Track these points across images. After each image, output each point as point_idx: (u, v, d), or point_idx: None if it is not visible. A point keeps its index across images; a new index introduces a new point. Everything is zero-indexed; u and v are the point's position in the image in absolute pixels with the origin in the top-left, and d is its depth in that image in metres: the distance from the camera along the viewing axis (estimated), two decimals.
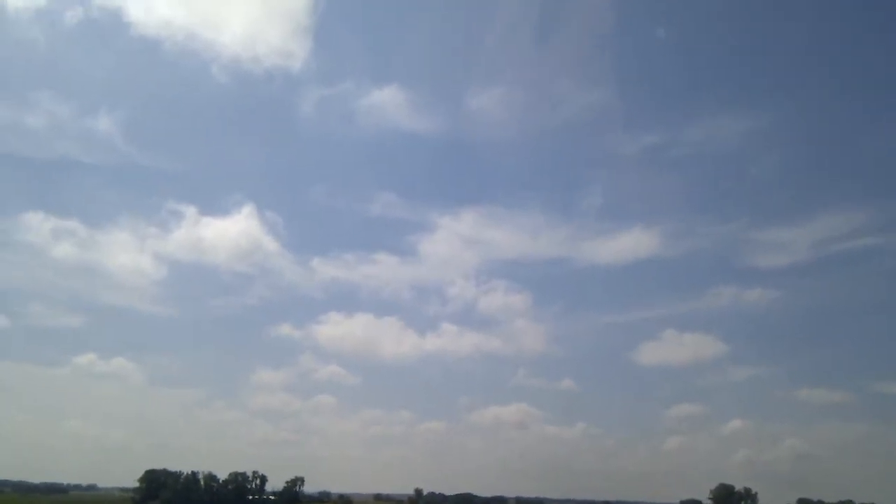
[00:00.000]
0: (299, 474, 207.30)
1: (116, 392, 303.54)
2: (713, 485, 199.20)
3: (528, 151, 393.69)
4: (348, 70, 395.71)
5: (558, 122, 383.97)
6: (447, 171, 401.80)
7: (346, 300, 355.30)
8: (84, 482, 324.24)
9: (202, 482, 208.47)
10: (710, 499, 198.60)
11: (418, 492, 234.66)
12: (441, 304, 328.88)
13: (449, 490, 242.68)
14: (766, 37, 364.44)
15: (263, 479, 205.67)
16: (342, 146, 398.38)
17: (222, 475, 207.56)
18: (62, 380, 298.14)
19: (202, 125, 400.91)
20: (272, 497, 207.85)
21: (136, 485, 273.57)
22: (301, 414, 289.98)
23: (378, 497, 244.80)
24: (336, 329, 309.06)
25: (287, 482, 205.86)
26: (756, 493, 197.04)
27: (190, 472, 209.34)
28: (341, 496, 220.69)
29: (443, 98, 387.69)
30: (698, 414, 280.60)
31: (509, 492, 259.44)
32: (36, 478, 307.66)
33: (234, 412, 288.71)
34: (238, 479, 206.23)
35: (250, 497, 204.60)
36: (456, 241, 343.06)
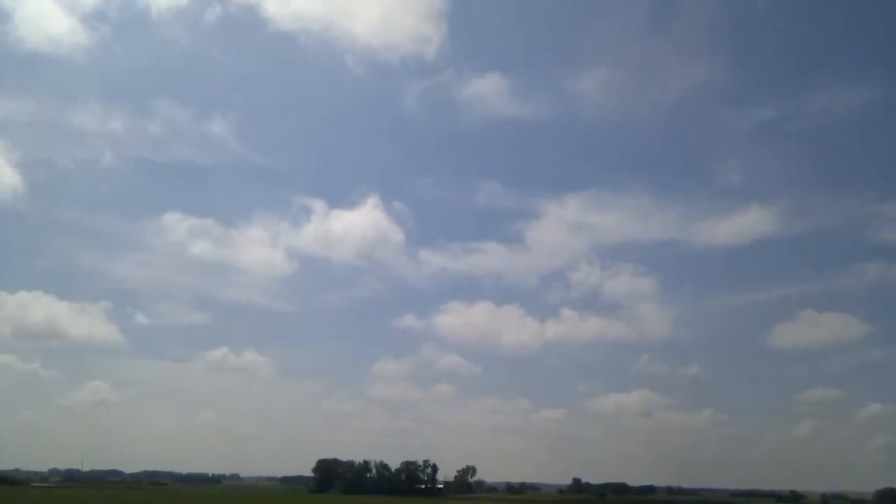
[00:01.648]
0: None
1: (247, 384, 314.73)
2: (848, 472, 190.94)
3: (634, 133, 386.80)
4: (465, 57, 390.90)
5: (665, 102, 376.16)
6: (551, 158, 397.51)
7: (464, 289, 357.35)
8: (227, 472, 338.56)
9: (374, 470, 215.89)
10: None
11: (576, 481, 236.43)
12: (561, 290, 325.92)
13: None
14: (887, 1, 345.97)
15: (435, 468, 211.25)
16: (446, 136, 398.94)
17: (393, 464, 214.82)
18: (197, 374, 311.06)
19: (331, 117, 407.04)
20: (440, 486, 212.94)
21: (277, 474, 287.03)
22: (420, 404, 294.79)
23: (524, 486, 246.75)
24: (457, 318, 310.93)
25: (458, 471, 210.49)
26: None
27: (362, 461, 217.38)
28: (509, 485, 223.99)
29: (544, 83, 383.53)
30: (833, 398, 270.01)
31: (628, 480, 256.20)
32: (179, 468, 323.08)
33: (356, 402, 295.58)
34: (409, 468, 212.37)
35: (422, 486, 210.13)
36: (562, 226, 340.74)
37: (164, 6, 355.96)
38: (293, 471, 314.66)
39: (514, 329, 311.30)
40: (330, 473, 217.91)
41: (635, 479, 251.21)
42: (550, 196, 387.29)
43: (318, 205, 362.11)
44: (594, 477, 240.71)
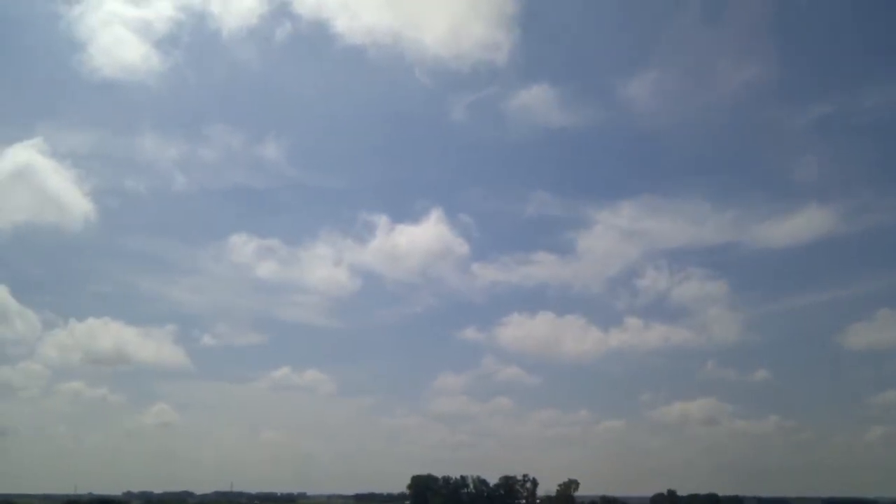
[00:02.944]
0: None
1: (309, 403, 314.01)
2: None
3: (685, 136, 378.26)
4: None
5: (717, 102, 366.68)
6: (601, 165, 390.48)
7: (525, 300, 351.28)
8: (294, 490, 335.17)
9: (471, 486, 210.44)
10: None
11: (671, 492, 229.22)
12: (624, 298, 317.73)
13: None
14: None
15: (535, 483, 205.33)
16: (494, 147, 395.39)
17: (492, 479, 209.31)
18: (260, 393, 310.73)
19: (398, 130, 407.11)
20: (538, 501, 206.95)
21: (345, 492, 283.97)
22: (478, 417, 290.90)
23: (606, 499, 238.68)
24: (518, 330, 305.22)
25: (559, 486, 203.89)
26: None
27: (459, 477, 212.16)
28: (604, 498, 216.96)
29: (593, 90, 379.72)
30: None
31: (685, 489, 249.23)
32: (247, 488, 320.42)
33: (414, 417, 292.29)
34: (508, 483, 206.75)
35: (523, 501, 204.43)
36: (615, 234, 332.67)
37: (235, 27, 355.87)
38: (363, 488, 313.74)
39: (576, 338, 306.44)
40: (424, 490, 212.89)
41: (699, 489, 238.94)
42: (603, 204, 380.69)
43: (382, 220, 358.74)
44: (653, 487, 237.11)
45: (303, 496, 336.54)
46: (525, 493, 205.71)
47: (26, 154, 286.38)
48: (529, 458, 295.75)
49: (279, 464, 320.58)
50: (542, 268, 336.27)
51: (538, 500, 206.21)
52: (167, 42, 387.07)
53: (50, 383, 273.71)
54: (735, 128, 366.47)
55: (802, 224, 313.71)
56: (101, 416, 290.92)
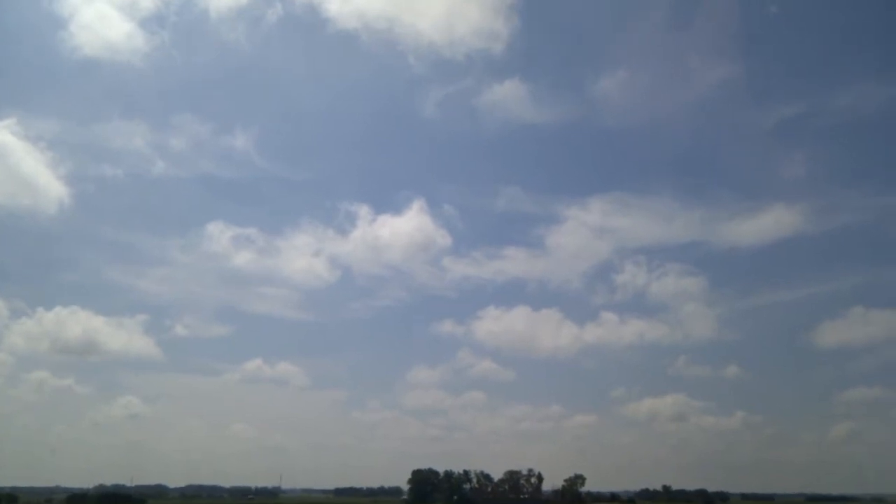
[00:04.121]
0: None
1: (281, 396, 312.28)
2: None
3: (656, 134, 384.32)
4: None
5: (687, 102, 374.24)
6: (572, 162, 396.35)
7: (498, 294, 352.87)
8: (269, 484, 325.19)
9: (475, 480, 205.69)
10: None
11: (665, 488, 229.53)
12: (602, 293, 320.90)
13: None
14: None
15: (540, 478, 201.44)
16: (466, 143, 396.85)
17: (496, 473, 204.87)
18: (233, 385, 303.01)
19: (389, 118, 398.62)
20: (546, 497, 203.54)
21: (321, 486, 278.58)
22: (451, 411, 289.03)
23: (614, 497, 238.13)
24: (494, 324, 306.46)
25: (566, 480, 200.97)
26: None
27: (462, 471, 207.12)
28: (612, 495, 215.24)
29: (564, 87, 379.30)
30: (874, 398, 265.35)
31: (655, 485, 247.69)
32: (220, 482, 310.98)
33: (387, 411, 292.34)
34: (513, 478, 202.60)
35: (523, 496, 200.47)
36: (585, 231, 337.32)
37: (224, 7, 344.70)
38: (338, 482, 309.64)
39: (551, 333, 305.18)
40: (425, 484, 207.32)
41: (667, 485, 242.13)
42: (573, 200, 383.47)
43: (363, 210, 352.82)
44: (621, 482, 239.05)
45: (277, 490, 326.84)
46: (530, 488, 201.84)
47: None
48: (499, 453, 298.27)
49: (251, 457, 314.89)
50: (521, 263, 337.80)
51: (543, 495, 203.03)
52: (153, 21, 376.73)
53: (15, 372, 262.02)
54: (705, 127, 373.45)
55: (770, 223, 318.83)
56: (67, 406, 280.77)
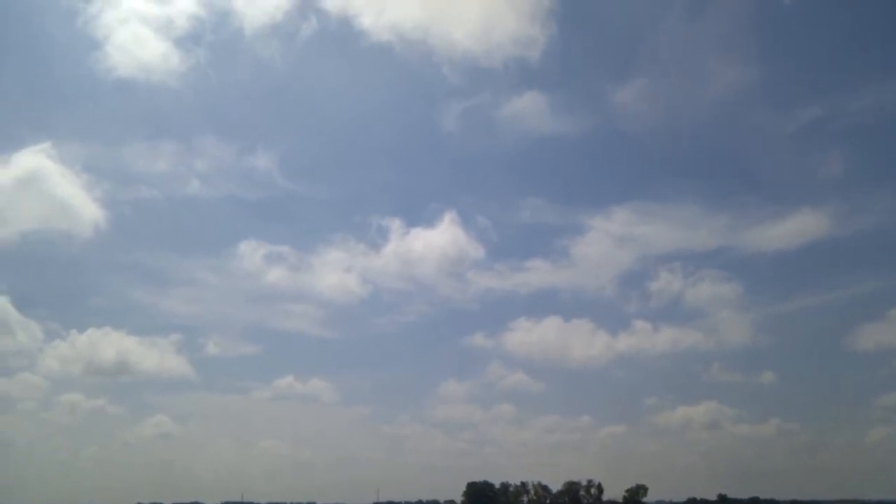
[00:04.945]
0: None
1: (316, 413, 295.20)
2: None
3: (677, 141, 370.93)
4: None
5: (707, 108, 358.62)
6: (593, 171, 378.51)
7: (528, 306, 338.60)
8: (304, 500, 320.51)
9: (532, 492, 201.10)
10: None
11: (721, 497, 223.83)
12: (634, 301, 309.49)
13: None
14: None
15: (600, 488, 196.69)
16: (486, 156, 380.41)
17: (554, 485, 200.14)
18: (262, 403, 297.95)
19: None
20: None
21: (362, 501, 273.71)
22: (480, 424, 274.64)
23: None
24: (525, 336, 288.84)
25: (627, 491, 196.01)
26: None
27: (519, 483, 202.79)
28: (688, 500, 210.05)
29: (583, 97, 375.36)
30: None
31: (684, 494, 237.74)
32: (257, 498, 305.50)
33: (416, 425, 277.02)
34: (573, 489, 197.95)
35: None
36: (608, 240, 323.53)
37: (259, 24, 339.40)
38: (371, 497, 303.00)
39: (582, 343, 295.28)
40: (482, 497, 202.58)
41: (698, 493, 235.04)
42: (595, 210, 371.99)
43: (395, 224, 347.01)
44: (653, 493, 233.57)
45: None
46: (590, 500, 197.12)
47: (34, 160, 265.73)
48: (528, 465, 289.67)
49: (281, 474, 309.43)
50: (543, 274, 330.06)
51: None
52: (188, 40, 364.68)
53: (48, 395, 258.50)
54: (725, 132, 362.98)
55: (797, 227, 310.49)
56: (99, 427, 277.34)
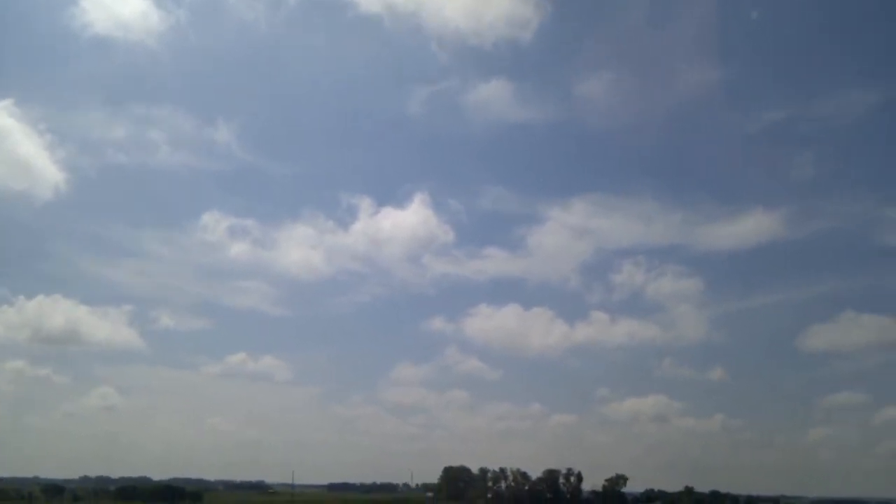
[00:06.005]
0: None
1: (263, 390, 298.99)
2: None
3: (639, 136, 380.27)
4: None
5: (671, 105, 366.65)
6: (555, 162, 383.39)
7: (488, 292, 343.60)
8: (252, 479, 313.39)
9: (511, 479, 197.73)
10: None
11: (688, 489, 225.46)
12: (596, 292, 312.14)
13: None
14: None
15: (579, 477, 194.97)
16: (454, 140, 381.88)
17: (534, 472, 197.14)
18: (213, 379, 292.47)
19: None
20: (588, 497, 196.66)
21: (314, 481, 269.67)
22: (433, 408, 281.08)
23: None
24: (484, 322, 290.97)
25: (606, 481, 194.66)
26: None
27: (497, 469, 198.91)
28: (646, 491, 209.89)
29: (550, 87, 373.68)
30: (855, 403, 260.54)
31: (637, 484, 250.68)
32: (206, 475, 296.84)
33: (368, 406, 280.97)
34: (552, 477, 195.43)
35: (567, 496, 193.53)
36: (565, 231, 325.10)
37: None
38: (323, 478, 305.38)
39: (540, 332, 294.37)
40: (457, 481, 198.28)
41: (643, 485, 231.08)
42: (555, 200, 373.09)
43: (364, 202, 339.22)
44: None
45: (262, 484, 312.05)
46: (569, 488, 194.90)
47: None
48: (477, 451, 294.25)
49: (228, 451, 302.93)
50: (502, 262, 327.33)
51: (587, 496, 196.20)
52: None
53: None
54: (687, 131, 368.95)
55: (749, 227, 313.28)
56: (43, 396, 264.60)
